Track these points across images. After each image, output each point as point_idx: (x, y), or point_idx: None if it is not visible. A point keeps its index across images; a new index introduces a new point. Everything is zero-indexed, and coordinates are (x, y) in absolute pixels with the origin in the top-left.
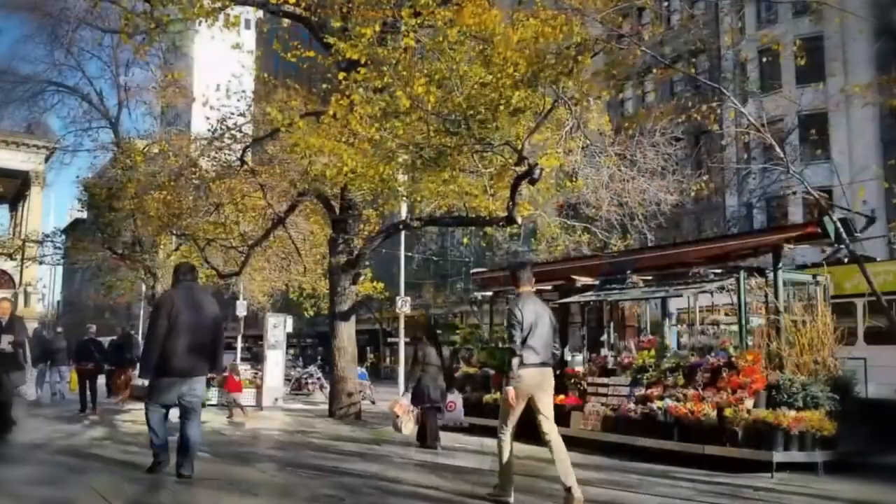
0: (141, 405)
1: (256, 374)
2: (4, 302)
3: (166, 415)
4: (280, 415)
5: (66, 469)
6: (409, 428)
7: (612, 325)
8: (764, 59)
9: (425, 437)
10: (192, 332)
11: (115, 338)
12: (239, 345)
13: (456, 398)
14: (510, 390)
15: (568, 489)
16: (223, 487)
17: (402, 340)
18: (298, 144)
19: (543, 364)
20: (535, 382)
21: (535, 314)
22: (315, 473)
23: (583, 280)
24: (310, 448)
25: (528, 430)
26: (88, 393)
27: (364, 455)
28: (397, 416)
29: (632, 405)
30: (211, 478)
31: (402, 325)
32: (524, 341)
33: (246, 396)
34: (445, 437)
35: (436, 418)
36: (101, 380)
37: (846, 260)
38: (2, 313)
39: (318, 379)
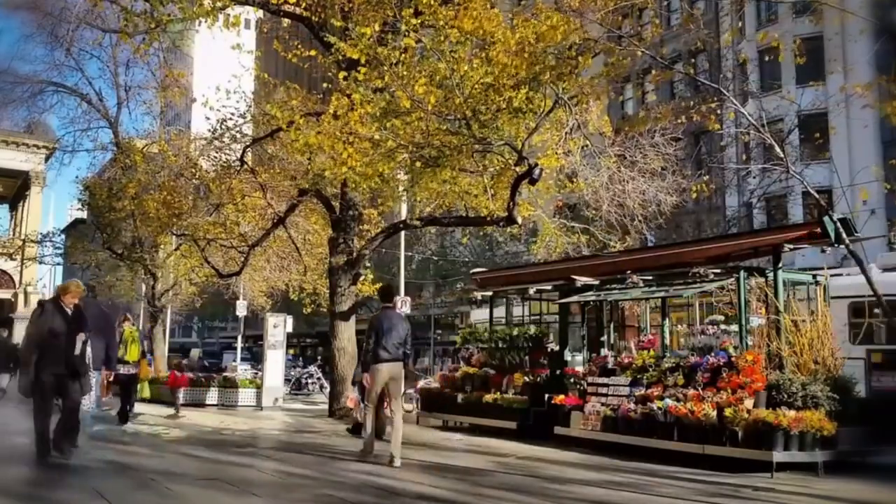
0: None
1: (256, 374)
2: (73, 285)
3: None
4: (280, 415)
5: (66, 469)
6: (362, 419)
7: (612, 325)
8: (765, 59)
9: (359, 430)
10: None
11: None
12: (239, 345)
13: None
14: (366, 376)
15: (391, 458)
16: (223, 488)
17: None
18: (298, 142)
19: (394, 360)
20: (387, 372)
21: (390, 323)
22: (315, 473)
23: (583, 280)
24: (310, 448)
25: (529, 430)
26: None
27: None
28: (352, 410)
29: (632, 405)
30: (211, 478)
31: None
32: (378, 344)
33: (246, 396)
34: (445, 437)
35: (382, 410)
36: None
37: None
38: (69, 300)
39: (318, 379)
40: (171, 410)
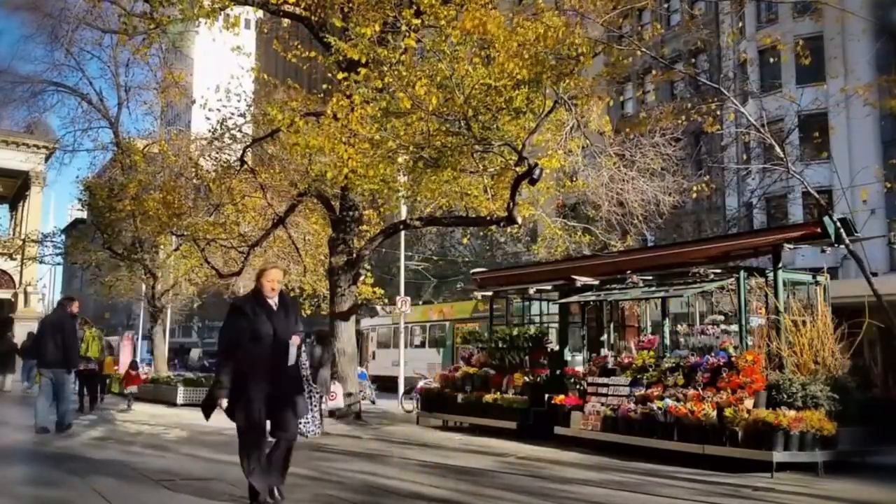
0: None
1: None
2: (275, 270)
3: None
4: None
5: (66, 469)
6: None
7: (612, 325)
8: (765, 59)
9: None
10: None
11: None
12: None
13: (337, 389)
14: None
15: None
16: (223, 487)
17: (401, 341)
18: (298, 144)
19: None
20: None
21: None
22: (315, 473)
23: (583, 280)
24: (309, 448)
25: (529, 430)
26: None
27: (364, 455)
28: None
29: (632, 405)
30: (210, 478)
31: (402, 326)
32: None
33: None
34: (446, 437)
35: (321, 405)
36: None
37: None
38: (271, 288)
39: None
40: (168, 408)
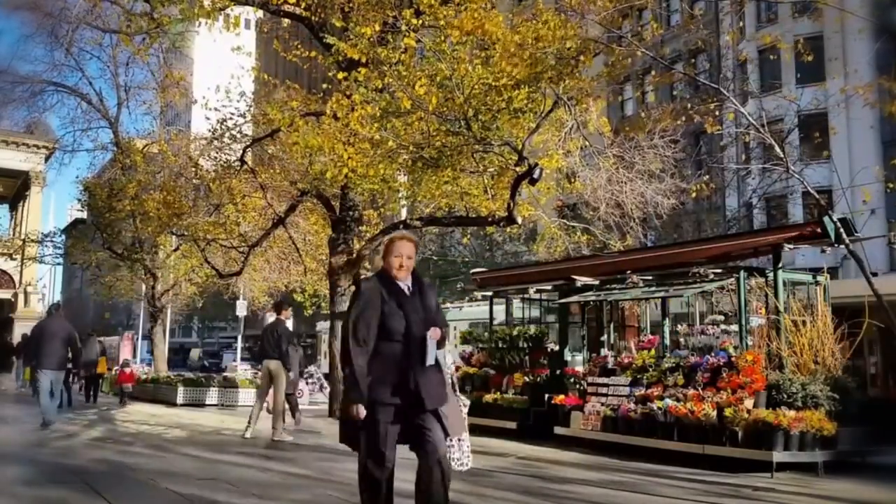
0: None
1: (256, 374)
2: (404, 242)
3: None
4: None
5: (66, 469)
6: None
7: (612, 325)
8: (765, 59)
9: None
10: None
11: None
12: (239, 344)
13: (304, 387)
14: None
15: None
16: (223, 488)
17: None
18: (298, 144)
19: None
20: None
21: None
22: (315, 473)
23: (583, 280)
24: (309, 448)
25: (529, 430)
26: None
27: None
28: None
29: (632, 405)
30: (210, 478)
31: None
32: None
33: (247, 396)
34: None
35: (294, 401)
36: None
37: None
38: (400, 265)
39: (318, 379)
40: (168, 408)
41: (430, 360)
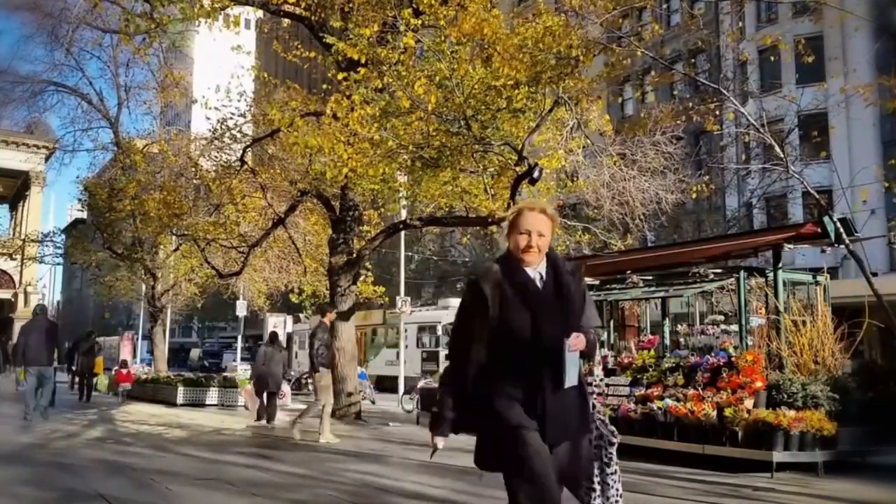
0: None
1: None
2: (535, 214)
3: None
4: (280, 415)
5: (66, 469)
6: (253, 408)
7: (612, 325)
8: (765, 59)
9: (263, 415)
10: None
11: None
12: (239, 345)
13: (286, 389)
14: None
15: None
16: (223, 488)
17: (402, 341)
18: (298, 144)
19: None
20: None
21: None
22: (315, 473)
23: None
24: (309, 448)
25: None
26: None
27: (364, 455)
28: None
29: (632, 405)
30: (210, 478)
31: (402, 326)
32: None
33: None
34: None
35: (275, 401)
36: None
37: None
38: (528, 246)
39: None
40: (168, 408)
41: (569, 380)
